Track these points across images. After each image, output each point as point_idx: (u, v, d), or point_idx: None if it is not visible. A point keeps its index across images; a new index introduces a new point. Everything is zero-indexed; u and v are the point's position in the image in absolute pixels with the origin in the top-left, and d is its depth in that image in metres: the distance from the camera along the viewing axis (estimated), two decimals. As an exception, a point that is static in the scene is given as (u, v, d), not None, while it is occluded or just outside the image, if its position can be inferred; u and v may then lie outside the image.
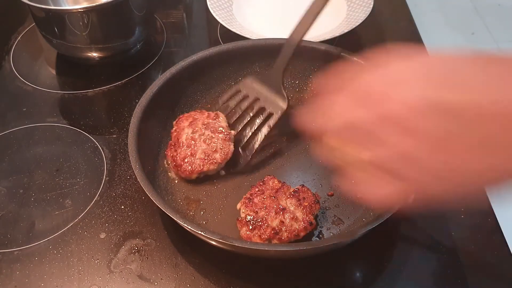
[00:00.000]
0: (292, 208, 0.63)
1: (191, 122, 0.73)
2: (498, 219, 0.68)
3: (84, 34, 0.86)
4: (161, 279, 0.62)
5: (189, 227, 0.58)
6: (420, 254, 0.65)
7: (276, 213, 0.63)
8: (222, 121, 0.73)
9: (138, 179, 0.62)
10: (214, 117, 0.73)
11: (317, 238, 0.65)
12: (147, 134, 0.71)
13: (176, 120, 0.75)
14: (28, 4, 0.84)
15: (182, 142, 0.71)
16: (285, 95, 0.74)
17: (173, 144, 0.72)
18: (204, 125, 0.72)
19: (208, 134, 0.71)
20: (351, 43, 1.00)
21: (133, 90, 0.90)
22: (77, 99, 0.89)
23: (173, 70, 0.77)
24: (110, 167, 0.76)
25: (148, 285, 0.62)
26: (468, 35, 1.62)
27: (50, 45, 0.93)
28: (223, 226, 0.66)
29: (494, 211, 0.69)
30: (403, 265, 0.64)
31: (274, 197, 0.64)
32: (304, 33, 0.72)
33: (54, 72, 0.97)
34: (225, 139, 0.71)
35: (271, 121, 0.73)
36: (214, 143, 0.70)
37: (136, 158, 0.65)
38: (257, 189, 0.66)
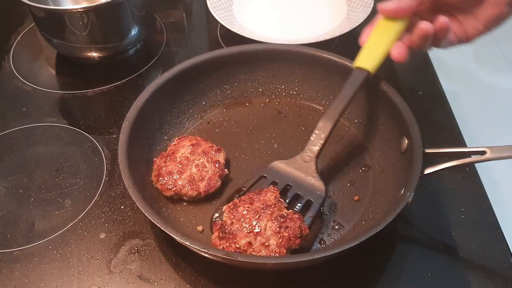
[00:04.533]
0: (268, 233, 0.59)
1: (192, 144, 0.72)
2: (498, 219, 0.68)
3: (84, 34, 0.86)
4: (161, 279, 0.62)
5: (193, 245, 0.56)
6: (420, 254, 0.65)
7: (248, 232, 0.59)
8: (221, 156, 0.72)
9: (134, 199, 0.60)
10: (216, 150, 0.72)
11: (319, 245, 0.65)
12: (136, 149, 0.70)
13: (180, 136, 0.74)
14: (28, 4, 0.84)
15: (175, 157, 0.70)
16: (321, 181, 0.66)
17: (165, 155, 0.71)
18: (204, 152, 0.71)
19: (203, 162, 0.70)
20: (351, 43, 0.99)
21: (133, 90, 0.90)
22: (77, 99, 0.89)
23: (158, 81, 0.75)
24: (110, 167, 0.76)
25: (148, 285, 0.62)
26: (468, 35, 1.61)
27: (50, 45, 0.93)
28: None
29: (494, 211, 0.69)
30: (403, 265, 0.64)
31: (257, 213, 0.60)
32: (338, 118, 0.67)
33: (53, 72, 0.97)
34: (216, 173, 0.69)
35: (311, 212, 0.64)
36: (205, 172, 0.69)
37: (129, 175, 0.63)
38: (249, 197, 0.63)
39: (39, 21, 0.90)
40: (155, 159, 0.71)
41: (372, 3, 0.98)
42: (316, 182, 0.66)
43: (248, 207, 0.61)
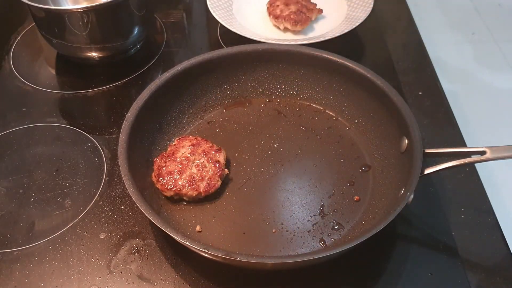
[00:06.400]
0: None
1: (193, 144, 0.73)
2: (498, 218, 0.68)
3: (84, 34, 0.86)
4: (161, 279, 0.62)
5: (193, 245, 0.57)
6: (420, 254, 0.65)
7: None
8: (221, 156, 0.72)
9: (134, 199, 0.60)
10: (217, 150, 0.73)
11: (319, 245, 0.65)
12: (136, 149, 0.70)
13: (180, 137, 0.75)
14: (28, 4, 0.84)
15: (175, 157, 0.71)
16: None
17: (165, 155, 0.72)
18: (204, 152, 0.72)
19: (203, 162, 0.71)
20: (351, 43, 1.00)
21: (133, 90, 0.90)
22: (77, 99, 0.89)
23: (158, 81, 0.75)
24: (110, 167, 0.76)
25: (148, 285, 0.62)
26: (468, 35, 1.62)
27: (50, 45, 0.93)
28: (218, 233, 0.67)
29: (494, 211, 0.69)
30: (403, 265, 0.64)
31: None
32: None
33: (54, 72, 0.97)
34: (216, 173, 0.70)
35: None
36: (205, 172, 0.70)
37: (129, 175, 0.63)
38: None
39: (39, 21, 0.90)
40: (155, 159, 0.71)
41: (372, 3, 0.98)
42: None
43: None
